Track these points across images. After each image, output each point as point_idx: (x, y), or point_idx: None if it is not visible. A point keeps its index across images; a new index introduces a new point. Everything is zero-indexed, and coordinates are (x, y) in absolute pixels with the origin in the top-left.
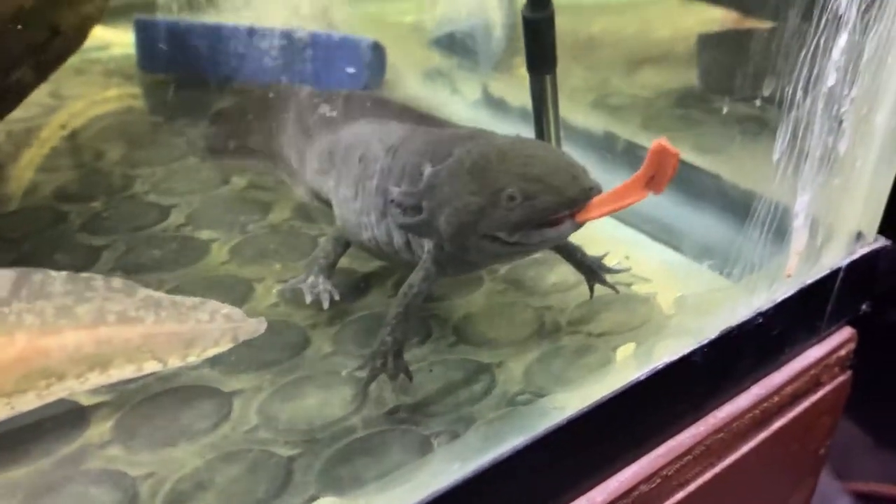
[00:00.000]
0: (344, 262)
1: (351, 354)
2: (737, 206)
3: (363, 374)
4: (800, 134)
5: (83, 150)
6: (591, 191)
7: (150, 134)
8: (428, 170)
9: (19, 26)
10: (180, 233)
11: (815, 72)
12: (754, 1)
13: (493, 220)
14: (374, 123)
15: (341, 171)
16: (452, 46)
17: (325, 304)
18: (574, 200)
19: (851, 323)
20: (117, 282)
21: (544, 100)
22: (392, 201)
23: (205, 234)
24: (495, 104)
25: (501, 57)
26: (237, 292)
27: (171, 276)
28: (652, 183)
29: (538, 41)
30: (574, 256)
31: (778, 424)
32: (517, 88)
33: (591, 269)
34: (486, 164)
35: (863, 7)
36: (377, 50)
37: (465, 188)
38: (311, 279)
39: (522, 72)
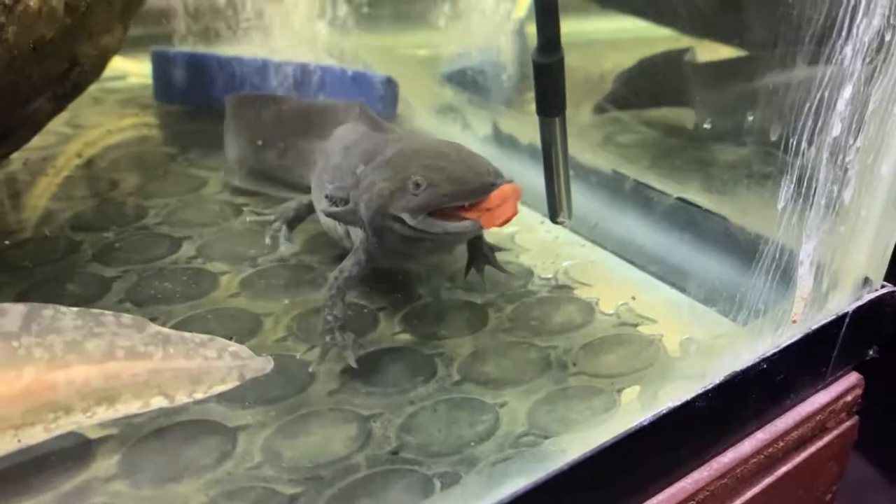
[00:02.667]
0: (353, 296)
1: (357, 391)
2: (743, 249)
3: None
4: (804, 183)
5: (98, 180)
6: (491, 186)
7: (164, 165)
8: (360, 168)
9: (39, 58)
10: (191, 265)
11: (820, 123)
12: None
13: (400, 203)
14: (343, 129)
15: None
16: (464, 83)
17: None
18: (472, 191)
19: (858, 368)
20: (127, 318)
21: (553, 142)
22: (326, 196)
23: (215, 267)
24: (505, 141)
25: (511, 94)
26: (245, 326)
27: (181, 308)
28: (489, 214)
29: (548, 85)
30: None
31: (783, 470)
32: (527, 126)
33: (483, 254)
34: (402, 157)
35: (867, 59)
36: (390, 85)
37: (381, 177)
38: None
39: (532, 109)
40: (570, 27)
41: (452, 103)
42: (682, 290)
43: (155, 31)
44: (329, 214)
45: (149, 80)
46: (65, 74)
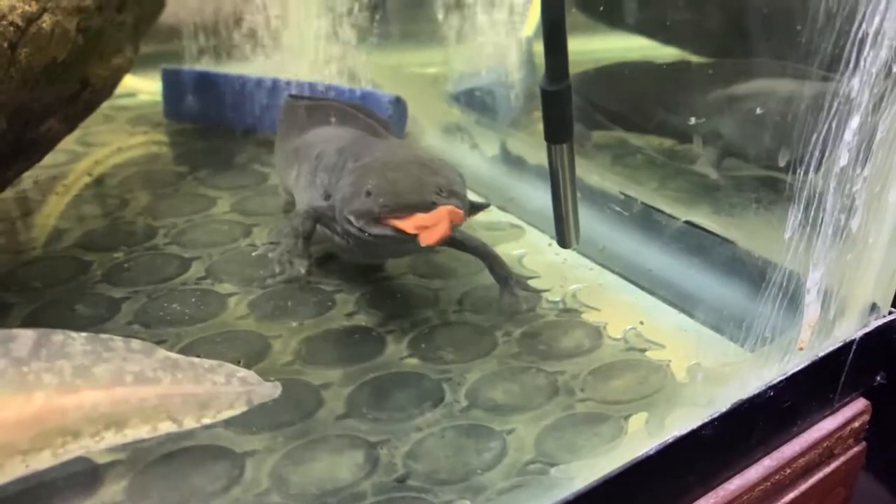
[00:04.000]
0: (361, 318)
1: (364, 417)
2: (751, 274)
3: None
4: (812, 212)
5: (108, 199)
6: (432, 205)
7: (174, 184)
8: (349, 166)
9: (51, 79)
10: (200, 286)
11: (828, 153)
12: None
13: (352, 207)
14: (333, 129)
15: (302, 165)
16: (472, 103)
17: (302, 270)
18: (408, 205)
19: (866, 394)
20: (137, 343)
21: (561, 168)
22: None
23: (224, 288)
24: (513, 161)
25: (519, 115)
26: (254, 348)
27: (190, 330)
28: (427, 232)
29: (556, 113)
30: (488, 264)
31: (790, 496)
32: (534, 147)
33: (503, 279)
34: (369, 166)
35: (875, 90)
36: (399, 104)
37: (348, 182)
38: (280, 250)
39: (540, 129)
40: (578, 46)
41: (460, 123)
42: (690, 315)
43: (165, 48)
44: (312, 210)
45: (159, 98)
46: (76, 95)
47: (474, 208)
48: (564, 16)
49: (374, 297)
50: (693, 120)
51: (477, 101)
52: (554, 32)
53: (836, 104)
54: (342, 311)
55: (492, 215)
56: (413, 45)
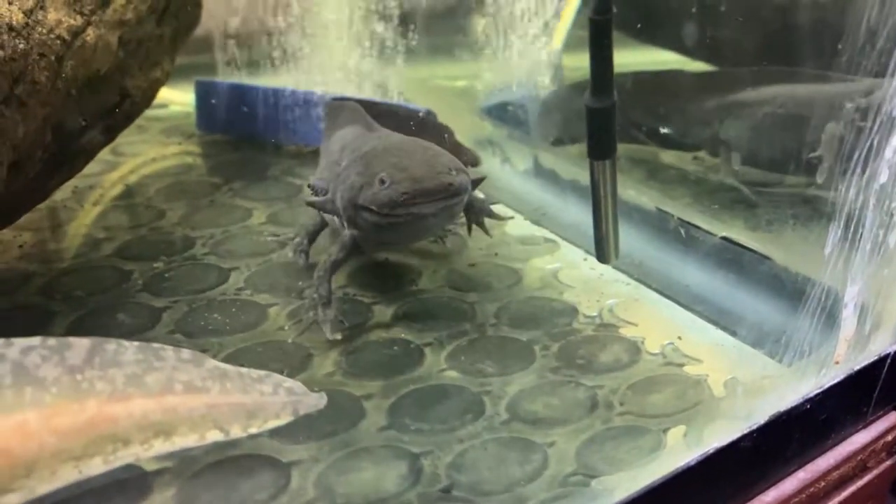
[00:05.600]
0: (398, 331)
1: (407, 428)
2: (788, 290)
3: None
4: (851, 229)
5: (145, 209)
6: (450, 186)
7: (209, 195)
8: (343, 162)
9: (94, 91)
10: (239, 296)
11: (869, 171)
12: None
13: (367, 196)
14: (344, 131)
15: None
16: (504, 117)
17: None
18: (429, 190)
19: None
20: (187, 353)
21: (603, 185)
22: (309, 185)
23: (263, 299)
24: (546, 175)
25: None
26: (295, 359)
27: (231, 340)
28: None
29: (600, 129)
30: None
31: None
32: (567, 161)
33: (474, 210)
34: (374, 155)
35: None
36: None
37: (355, 172)
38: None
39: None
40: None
41: (492, 137)
42: (727, 330)
43: (197, 60)
44: (309, 203)
45: (191, 109)
46: (116, 106)
47: (475, 182)
48: (612, 33)
49: (411, 310)
50: (727, 132)
51: (509, 116)
52: (600, 49)
53: (878, 121)
54: (380, 322)
55: (525, 229)
56: (443, 57)
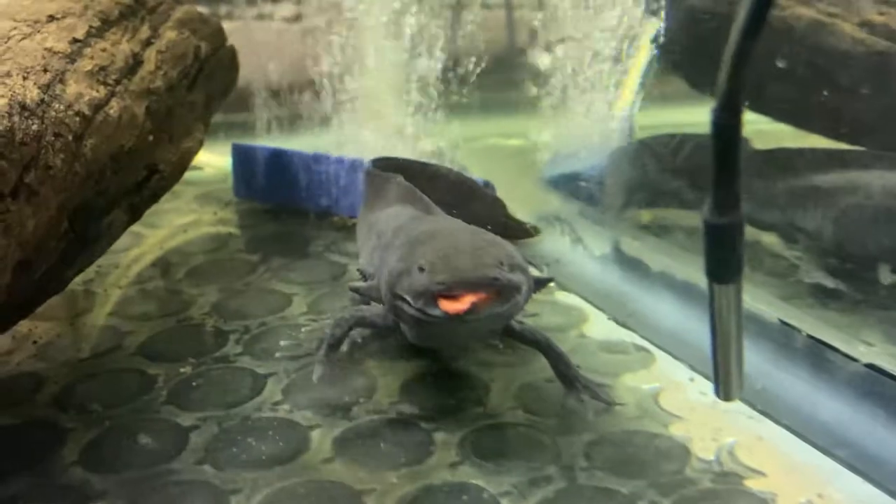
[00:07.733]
0: (467, 472)
1: None
2: None
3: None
4: None
5: (172, 294)
6: (494, 280)
7: (244, 275)
8: (396, 242)
9: (117, 168)
10: (277, 413)
11: None
12: None
13: (404, 284)
14: (399, 207)
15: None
16: (574, 190)
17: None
18: (469, 283)
19: None
20: None
21: (727, 312)
22: (359, 270)
23: (304, 418)
24: (630, 264)
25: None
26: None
27: (268, 476)
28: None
29: (723, 248)
30: (552, 362)
31: None
32: (657, 249)
33: (569, 381)
34: (418, 241)
35: None
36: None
37: (395, 257)
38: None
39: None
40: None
41: (560, 213)
42: (881, 486)
43: (233, 118)
44: (353, 289)
45: (227, 172)
46: (142, 183)
47: (538, 283)
48: (740, 139)
49: (480, 442)
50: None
51: (581, 190)
52: (725, 157)
53: None
54: (444, 460)
55: (609, 332)
56: (492, 113)
